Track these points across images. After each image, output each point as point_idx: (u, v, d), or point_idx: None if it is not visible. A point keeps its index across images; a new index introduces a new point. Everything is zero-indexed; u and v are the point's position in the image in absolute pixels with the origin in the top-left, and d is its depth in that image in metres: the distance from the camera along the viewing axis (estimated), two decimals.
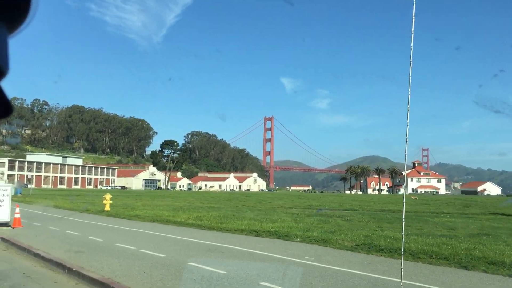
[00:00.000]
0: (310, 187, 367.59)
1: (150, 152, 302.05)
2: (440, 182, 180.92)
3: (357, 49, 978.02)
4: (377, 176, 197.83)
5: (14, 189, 55.91)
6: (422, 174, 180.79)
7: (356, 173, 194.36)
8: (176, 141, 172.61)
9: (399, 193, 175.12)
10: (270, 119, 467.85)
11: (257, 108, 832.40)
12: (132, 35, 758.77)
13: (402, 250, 6.54)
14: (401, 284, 6.33)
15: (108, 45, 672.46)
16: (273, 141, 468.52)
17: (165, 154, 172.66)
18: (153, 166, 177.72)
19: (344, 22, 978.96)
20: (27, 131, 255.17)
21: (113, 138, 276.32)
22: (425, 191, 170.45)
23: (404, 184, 14.75)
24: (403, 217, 6.81)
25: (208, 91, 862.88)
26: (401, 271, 6.32)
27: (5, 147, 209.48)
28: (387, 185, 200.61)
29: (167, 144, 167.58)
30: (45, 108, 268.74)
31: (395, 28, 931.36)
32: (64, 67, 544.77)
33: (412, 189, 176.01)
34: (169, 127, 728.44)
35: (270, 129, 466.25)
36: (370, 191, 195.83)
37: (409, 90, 6.07)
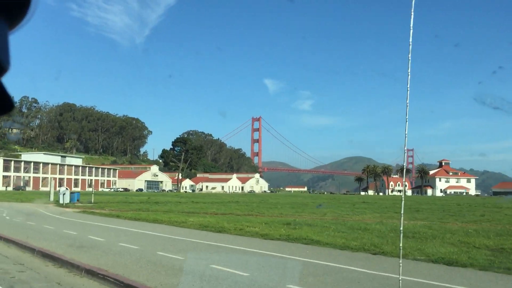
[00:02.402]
0: (305, 188, 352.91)
1: (144, 152, 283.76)
2: (470, 182, 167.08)
3: (341, 49, 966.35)
4: (395, 176, 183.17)
5: (64, 195, 37.52)
6: (451, 174, 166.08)
7: (375, 173, 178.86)
8: (190, 139, 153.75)
9: (428, 194, 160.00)
10: (258, 119, 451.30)
11: (246, 108, 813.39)
12: (114, 35, 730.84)
13: (400, 245, 6.51)
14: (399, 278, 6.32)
15: (91, 44, 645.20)
16: (261, 142, 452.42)
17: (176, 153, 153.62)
18: (164, 166, 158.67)
19: (332, 23, 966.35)
20: (14, 130, 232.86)
21: (107, 138, 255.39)
22: (454, 192, 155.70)
23: (404, 182, 10.26)
24: (401, 216, 6.71)
25: (198, 89, 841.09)
26: (400, 269, 6.27)
27: None
28: (406, 185, 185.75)
29: (179, 142, 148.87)
30: (34, 106, 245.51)
31: (381, 28, 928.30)
32: (49, 65, 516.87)
33: (441, 190, 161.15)
34: (162, 126, 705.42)
35: (257, 130, 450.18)
36: (388, 192, 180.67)
37: (408, 87, 6.05)
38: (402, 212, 6.76)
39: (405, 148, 6.20)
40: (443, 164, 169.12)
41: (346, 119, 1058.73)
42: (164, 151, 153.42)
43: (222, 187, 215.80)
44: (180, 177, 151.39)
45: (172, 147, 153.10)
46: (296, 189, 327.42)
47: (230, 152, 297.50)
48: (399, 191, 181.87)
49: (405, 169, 8.94)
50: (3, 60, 1.00)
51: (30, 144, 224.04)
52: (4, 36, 1.02)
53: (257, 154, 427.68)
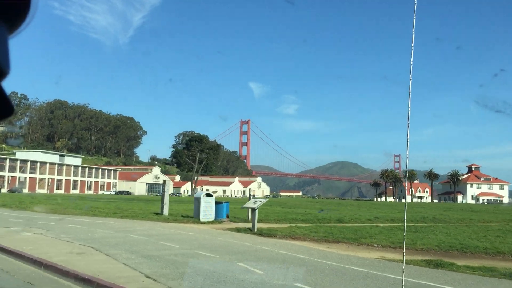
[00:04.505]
0: (300, 193, 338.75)
1: (138, 152, 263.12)
2: (503, 189, 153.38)
3: (327, 54, 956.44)
4: (416, 182, 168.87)
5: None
6: (482, 179, 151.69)
7: (395, 178, 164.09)
8: (206, 137, 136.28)
9: (458, 201, 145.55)
10: (247, 122, 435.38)
11: (232, 111, 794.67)
12: (97, 35, 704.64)
13: (404, 249, 6.62)
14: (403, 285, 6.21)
15: (73, 42, 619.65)
16: (249, 145, 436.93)
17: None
18: (177, 166, 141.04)
19: (320, 30, 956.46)
20: (1, 128, 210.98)
21: (100, 137, 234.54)
22: (487, 200, 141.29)
23: (406, 188, 13.50)
24: (405, 218, 6.69)
25: (189, 91, 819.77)
26: (403, 270, 6.20)
27: None
28: (427, 191, 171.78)
29: (194, 140, 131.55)
30: (24, 103, 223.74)
31: (369, 35, 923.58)
32: (33, 62, 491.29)
33: (472, 196, 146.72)
34: (150, 128, 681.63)
35: (246, 133, 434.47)
36: (408, 198, 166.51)
37: (409, 91, 5.96)
38: (405, 218, 6.70)
39: (407, 153, 6.12)
40: (472, 169, 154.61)
41: (331, 124, 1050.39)
42: (177, 150, 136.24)
43: (224, 191, 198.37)
44: (195, 179, 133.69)
45: (185, 146, 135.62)
46: (290, 194, 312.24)
47: (227, 155, 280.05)
48: (420, 197, 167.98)
49: (407, 174, 11.12)
50: (3, 64, 0.97)
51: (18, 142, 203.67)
52: (4, 40, 0.99)
53: (245, 157, 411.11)
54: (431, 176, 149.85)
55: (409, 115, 5.80)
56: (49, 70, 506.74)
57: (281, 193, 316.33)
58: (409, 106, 5.80)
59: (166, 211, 24.12)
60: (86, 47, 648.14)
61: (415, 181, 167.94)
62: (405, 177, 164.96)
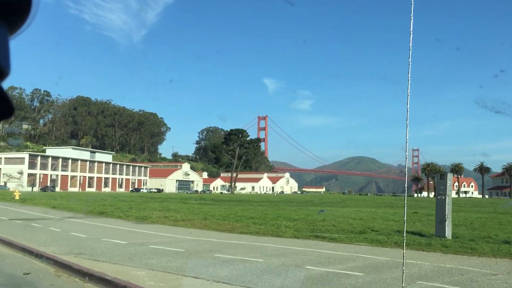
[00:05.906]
0: (324, 189, 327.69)
1: (160, 149, 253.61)
2: None
3: (340, 50, 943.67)
4: (460, 176, 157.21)
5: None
6: None
7: (439, 172, 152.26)
8: (245, 131, 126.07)
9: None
10: (264, 118, 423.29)
11: (246, 108, 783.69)
12: (111, 33, 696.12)
13: (404, 242, 6.64)
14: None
15: (88, 41, 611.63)
16: (267, 141, 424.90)
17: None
18: (215, 162, 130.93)
19: (332, 24, 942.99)
20: (25, 126, 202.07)
21: (124, 134, 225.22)
22: None
23: (406, 185, 8.37)
24: (405, 216, 6.70)
25: (201, 88, 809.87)
26: (403, 271, 6.14)
27: (2, 144, 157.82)
28: (472, 186, 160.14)
29: (233, 134, 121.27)
30: (47, 100, 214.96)
31: (382, 31, 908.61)
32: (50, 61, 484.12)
33: None
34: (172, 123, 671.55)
35: (263, 129, 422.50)
36: (454, 194, 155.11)
37: (408, 92, 5.94)
38: (405, 218, 6.77)
39: (406, 154, 6.27)
40: None
41: (346, 119, 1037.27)
42: (215, 145, 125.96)
43: (253, 188, 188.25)
44: (236, 176, 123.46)
45: (224, 140, 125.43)
46: (316, 190, 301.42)
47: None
48: (465, 192, 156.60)
49: (406, 170, 8.17)
50: (4, 65, 0.96)
51: (42, 140, 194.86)
52: (4, 41, 0.98)
53: (263, 153, 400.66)
54: (482, 170, 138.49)
55: (407, 115, 5.75)
56: (65, 68, 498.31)
57: (304, 189, 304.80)
58: (408, 107, 5.77)
59: (449, 232, 13.39)
60: (100, 45, 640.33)
61: (461, 176, 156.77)
62: (414, 174, 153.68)
